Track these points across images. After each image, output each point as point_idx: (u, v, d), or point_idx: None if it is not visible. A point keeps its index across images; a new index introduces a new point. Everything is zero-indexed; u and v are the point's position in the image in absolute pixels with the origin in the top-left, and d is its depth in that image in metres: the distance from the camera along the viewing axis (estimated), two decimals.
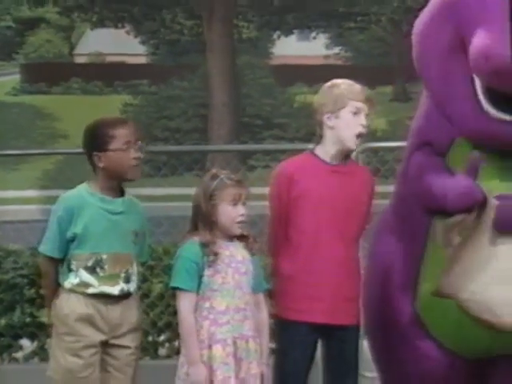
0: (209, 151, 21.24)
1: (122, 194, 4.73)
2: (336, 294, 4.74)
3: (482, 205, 4.38)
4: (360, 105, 4.77)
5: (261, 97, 30.47)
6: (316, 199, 4.73)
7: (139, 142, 4.69)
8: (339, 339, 4.81)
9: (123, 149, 4.61)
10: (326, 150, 4.82)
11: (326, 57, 44.92)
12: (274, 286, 4.77)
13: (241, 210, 4.59)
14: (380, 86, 36.82)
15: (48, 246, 4.67)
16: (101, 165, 4.64)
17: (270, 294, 4.80)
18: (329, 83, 4.87)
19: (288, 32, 36.46)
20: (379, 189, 5.06)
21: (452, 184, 4.47)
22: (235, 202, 4.59)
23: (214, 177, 4.63)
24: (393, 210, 4.96)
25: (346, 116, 4.75)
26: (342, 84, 4.83)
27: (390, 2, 30.51)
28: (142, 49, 38.05)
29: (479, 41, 4.32)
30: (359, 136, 4.77)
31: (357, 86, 4.82)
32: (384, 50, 40.57)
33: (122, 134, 4.63)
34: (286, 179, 4.80)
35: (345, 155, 4.84)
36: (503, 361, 4.75)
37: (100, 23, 33.30)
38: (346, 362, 4.85)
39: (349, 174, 4.84)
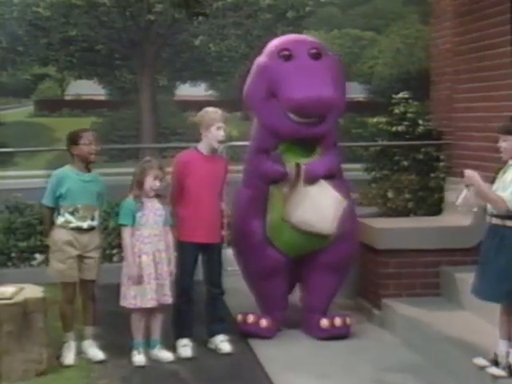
0: (140, 148, 21.10)
1: (89, 171, 4.65)
2: (209, 225, 4.73)
3: (297, 171, 4.66)
4: (220, 124, 4.72)
5: (170, 118, 30.40)
6: (199, 175, 4.69)
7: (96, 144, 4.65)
8: (211, 251, 4.79)
9: (86, 143, 4.56)
10: (203, 148, 4.77)
11: (206, 96, 44.83)
12: (175, 223, 4.71)
13: (157, 183, 4.53)
14: (235, 112, 36.85)
15: (46, 200, 4.59)
16: (75, 153, 4.58)
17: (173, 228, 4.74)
18: (203, 110, 4.81)
19: (184, 82, 36.13)
20: (233, 168, 5.06)
21: (270, 168, 4.78)
22: (155, 178, 4.52)
23: (148, 160, 4.59)
24: (245, 175, 5.05)
25: (213, 131, 4.70)
26: (211, 111, 4.77)
27: (240, 66, 30.23)
28: (103, 91, 37.20)
29: (286, 92, 4.58)
30: (220, 141, 4.74)
31: (219, 112, 4.76)
32: (238, 92, 40.57)
33: (85, 136, 4.60)
34: (181, 164, 4.75)
35: (213, 151, 4.80)
36: (310, 258, 4.89)
37: (79, 77, 32.58)
38: (215, 263, 4.82)
39: (215, 161, 4.82)
